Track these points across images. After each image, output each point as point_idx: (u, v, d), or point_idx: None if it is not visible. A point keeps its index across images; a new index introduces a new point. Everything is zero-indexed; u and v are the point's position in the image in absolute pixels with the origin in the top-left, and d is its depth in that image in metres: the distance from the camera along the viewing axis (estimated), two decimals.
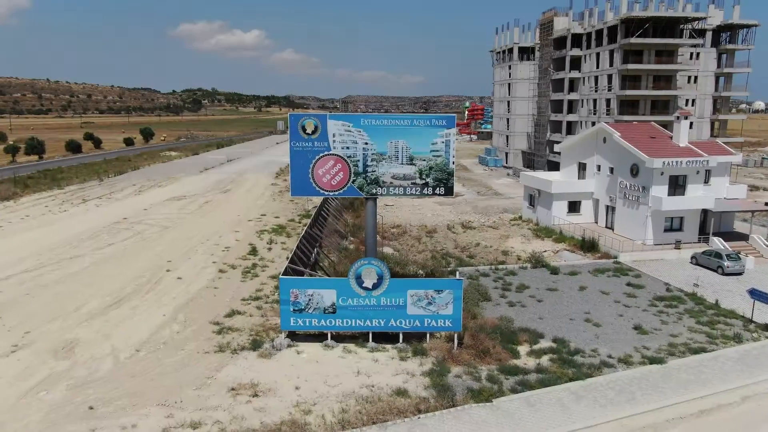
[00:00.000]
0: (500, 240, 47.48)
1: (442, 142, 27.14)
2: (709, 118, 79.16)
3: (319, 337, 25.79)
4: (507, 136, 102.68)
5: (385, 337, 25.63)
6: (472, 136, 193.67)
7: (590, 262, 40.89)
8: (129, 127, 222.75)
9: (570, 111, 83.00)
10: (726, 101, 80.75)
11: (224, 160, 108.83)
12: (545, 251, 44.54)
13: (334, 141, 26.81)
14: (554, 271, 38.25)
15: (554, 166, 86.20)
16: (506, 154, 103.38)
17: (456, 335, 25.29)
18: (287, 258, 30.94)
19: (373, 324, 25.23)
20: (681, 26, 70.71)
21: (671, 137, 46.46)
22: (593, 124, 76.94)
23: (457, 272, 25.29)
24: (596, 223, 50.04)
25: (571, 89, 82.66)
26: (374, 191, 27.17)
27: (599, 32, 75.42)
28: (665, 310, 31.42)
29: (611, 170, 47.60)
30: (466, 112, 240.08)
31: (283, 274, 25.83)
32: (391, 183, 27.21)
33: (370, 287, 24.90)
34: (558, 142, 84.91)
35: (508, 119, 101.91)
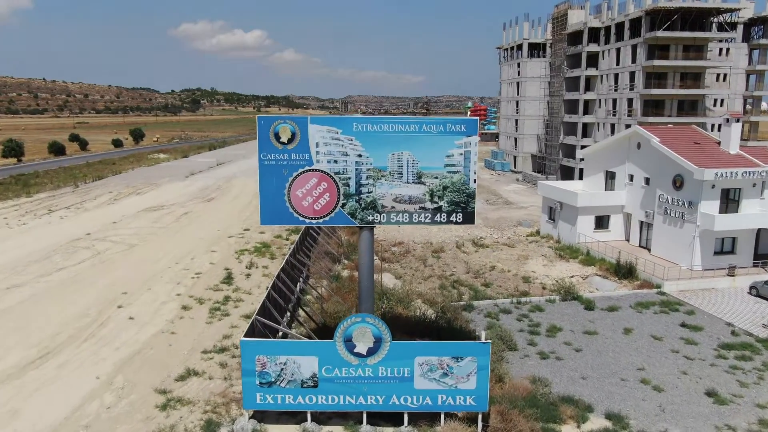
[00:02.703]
0: (518, 262, 40.92)
1: (460, 154, 20.59)
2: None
3: (295, 414, 19.27)
4: (515, 139, 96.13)
5: (384, 415, 19.11)
6: None
7: (629, 292, 34.34)
8: (124, 128, 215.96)
9: (586, 112, 76.44)
10: (758, 101, 74.18)
11: (214, 164, 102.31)
12: (572, 276, 38.04)
13: (317, 153, 20.27)
14: (588, 305, 31.71)
15: (568, 172, 79.81)
16: (514, 157, 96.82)
17: (480, 415, 18.77)
18: (267, 288, 24.32)
19: (369, 402, 18.66)
20: (711, 19, 64.15)
21: (718, 143, 39.95)
22: (612, 126, 70.60)
23: (483, 334, 18.81)
24: (627, 241, 43.49)
25: (588, 88, 76.09)
26: (371, 218, 20.63)
27: (620, 26, 68.84)
28: (738, 364, 24.87)
29: (647, 181, 41.06)
30: (468, 113, 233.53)
31: (246, 334, 19.24)
32: (392, 208, 20.68)
33: (365, 353, 18.35)
34: (572, 146, 78.52)
35: (516, 120, 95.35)
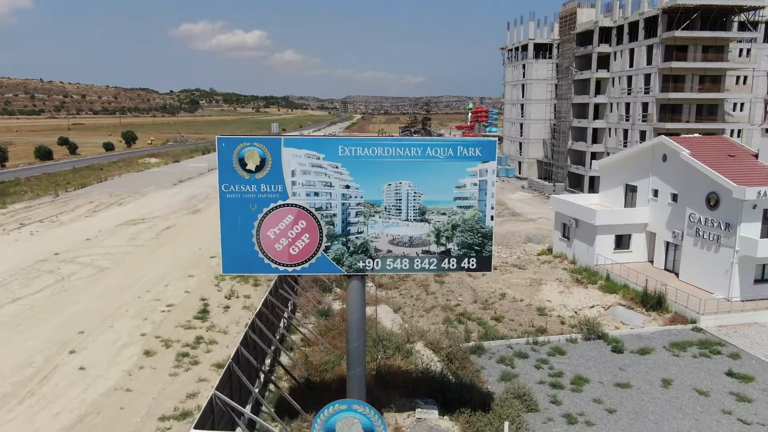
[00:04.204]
0: (531, 288, 36.70)
1: (474, 185, 16.42)
2: (760, 126, 68.25)
3: None
4: (520, 144, 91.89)
5: None
6: None
7: (661, 329, 30.09)
8: (119, 129, 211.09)
9: (596, 116, 72.18)
10: None
11: (205, 170, 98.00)
12: (593, 306, 33.83)
13: (294, 183, 16.11)
14: (616, 346, 27.46)
15: (576, 179, 75.63)
16: (519, 163, 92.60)
17: None
18: (245, 326, 20.07)
19: None
20: (733, 18, 59.97)
21: (755, 155, 35.73)
22: (625, 131, 66.49)
23: (506, 425, 14.66)
24: (651, 263, 39.27)
25: (598, 91, 71.84)
26: (361, 265, 16.47)
27: (633, 25, 64.62)
28: None
29: (674, 197, 36.84)
30: (470, 114, 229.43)
31: (201, 418, 14.97)
32: (389, 252, 16.51)
33: None
34: (581, 152, 74.34)
35: (521, 125, 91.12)
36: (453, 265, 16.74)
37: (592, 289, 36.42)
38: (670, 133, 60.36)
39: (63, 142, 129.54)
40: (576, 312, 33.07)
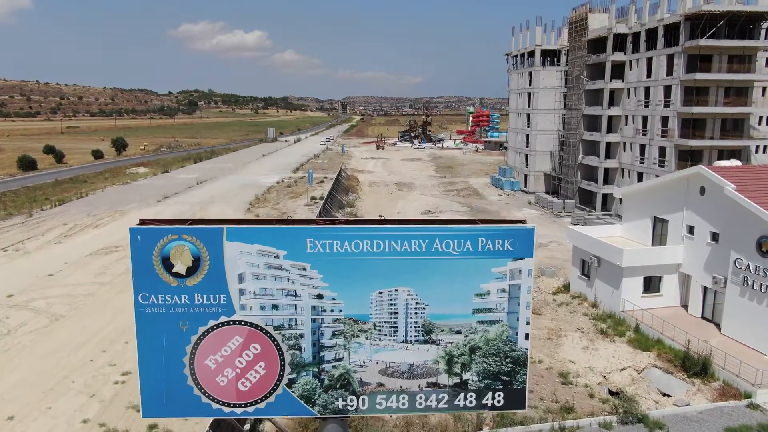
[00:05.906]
0: (550, 342, 31.80)
1: (502, 291, 11.50)
2: None
3: None
4: (526, 156, 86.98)
5: None
6: (477, 145, 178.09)
7: (711, 406, 25.17)
8: (115, 133, 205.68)
9: (610, 129, 67.29)
10: None
11: (194, 182, 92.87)
12: (624, 369, 28.99)
13: (242, 292, 11.21)
14: None
15: (587, 196, 70.78)
16: (525, 176, 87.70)
17: None
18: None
19: None
20: (762, 25, 55.15)
21: None
22: (642, 147, 61.68)
23: None
24: (685, 308, 34.45)
25: (612, 103, 66.96)
26: (340, 405, 11.58)
27: (652, 32, 59.75)
28: None
29: (714, 237, 32.00)
30: (471, 118, 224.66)
31: None
32: (380, 385, 11.61)
33: None
34: (593, 167, 69.45)
35: (527, 135, 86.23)
36: (471, 402, 11.81)
37: (621, 344, 31.52)
38: (693, 150, 55.72)
39: (49, 150, 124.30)
40: (605, 377, 28.27)
